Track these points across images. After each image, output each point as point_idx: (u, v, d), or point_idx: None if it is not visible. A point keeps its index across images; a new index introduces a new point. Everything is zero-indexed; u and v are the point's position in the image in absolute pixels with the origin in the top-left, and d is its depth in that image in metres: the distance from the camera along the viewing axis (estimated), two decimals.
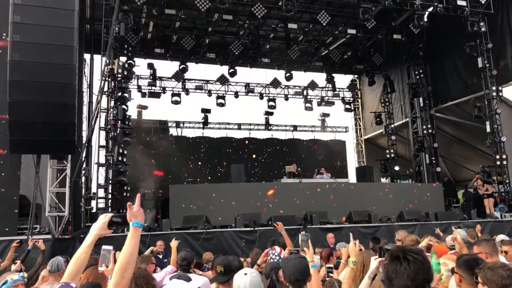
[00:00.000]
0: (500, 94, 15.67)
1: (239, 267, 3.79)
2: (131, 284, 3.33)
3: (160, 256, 7.98)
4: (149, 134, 20.67)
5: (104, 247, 2.80)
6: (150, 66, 19.07)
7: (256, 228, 11.04)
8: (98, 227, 2.53)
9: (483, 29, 15.37)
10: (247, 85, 21.54)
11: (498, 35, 15.90)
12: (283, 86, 22.06)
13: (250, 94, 21.75)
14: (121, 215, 2.80)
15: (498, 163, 15.08)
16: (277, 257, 4.76)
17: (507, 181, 15.05)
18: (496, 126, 15.38)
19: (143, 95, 20.00)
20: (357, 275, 3.45)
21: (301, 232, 4.25)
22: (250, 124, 22.87)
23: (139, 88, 20.07)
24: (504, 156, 14.98)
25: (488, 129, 15.46)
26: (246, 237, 10.87)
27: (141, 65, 18.66)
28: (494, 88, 15.40)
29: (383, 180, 20.63)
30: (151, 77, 19.57)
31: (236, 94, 21.40)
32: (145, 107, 19.84)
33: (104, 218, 2.55)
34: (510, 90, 16.51)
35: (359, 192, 14.91)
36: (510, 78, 15.91)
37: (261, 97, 21.97)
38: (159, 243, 8.83)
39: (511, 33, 15.59)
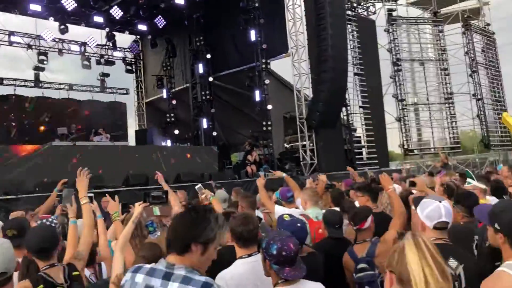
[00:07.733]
0: (268, 66, 17.32)
1: None
2: None
3: None
4: None
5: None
6: None
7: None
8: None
9: (256, 4, 16.58)
10: (11, 34, 18.72)
11: (269, 11, 17.36)
12: (57, 40, 19.94)
13: (15, 45, 18.96)
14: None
15: (264, 128, 16.78)
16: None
17: (270, 144, 16.95)
18: (264, 95, 17.00)
19: None
20: None
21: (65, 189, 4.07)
22: (15, 80, 19.88)
23: None
24: (269, 123, 16.73)
25: (257, 98, 17.00)
26: None
27: None
28: (263, 60, 16.91)
29: (163, 143, 20.85)
30: None
31: None
32: None
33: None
34: (277, 64, 18.59)
35: (138, 155, 14.71)
36: (277, 52, 17.72)
37: (30, 48, 19.40)
38: None
39: (281, 10, 17.21)
